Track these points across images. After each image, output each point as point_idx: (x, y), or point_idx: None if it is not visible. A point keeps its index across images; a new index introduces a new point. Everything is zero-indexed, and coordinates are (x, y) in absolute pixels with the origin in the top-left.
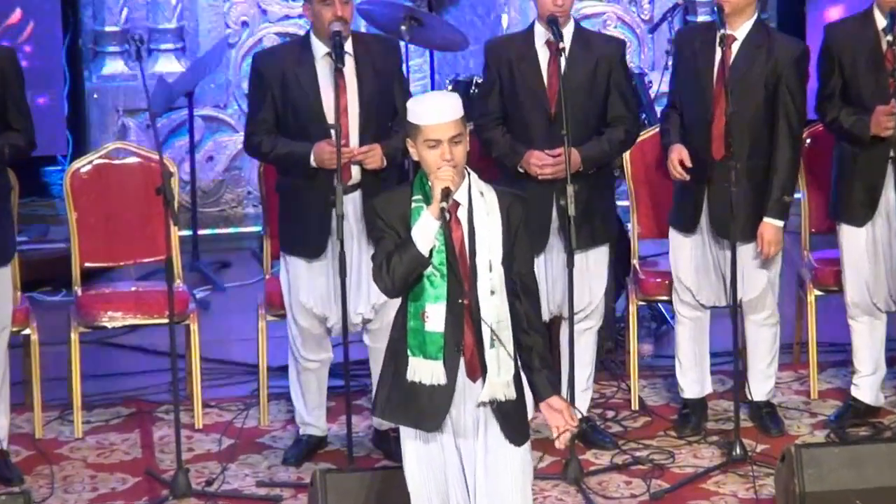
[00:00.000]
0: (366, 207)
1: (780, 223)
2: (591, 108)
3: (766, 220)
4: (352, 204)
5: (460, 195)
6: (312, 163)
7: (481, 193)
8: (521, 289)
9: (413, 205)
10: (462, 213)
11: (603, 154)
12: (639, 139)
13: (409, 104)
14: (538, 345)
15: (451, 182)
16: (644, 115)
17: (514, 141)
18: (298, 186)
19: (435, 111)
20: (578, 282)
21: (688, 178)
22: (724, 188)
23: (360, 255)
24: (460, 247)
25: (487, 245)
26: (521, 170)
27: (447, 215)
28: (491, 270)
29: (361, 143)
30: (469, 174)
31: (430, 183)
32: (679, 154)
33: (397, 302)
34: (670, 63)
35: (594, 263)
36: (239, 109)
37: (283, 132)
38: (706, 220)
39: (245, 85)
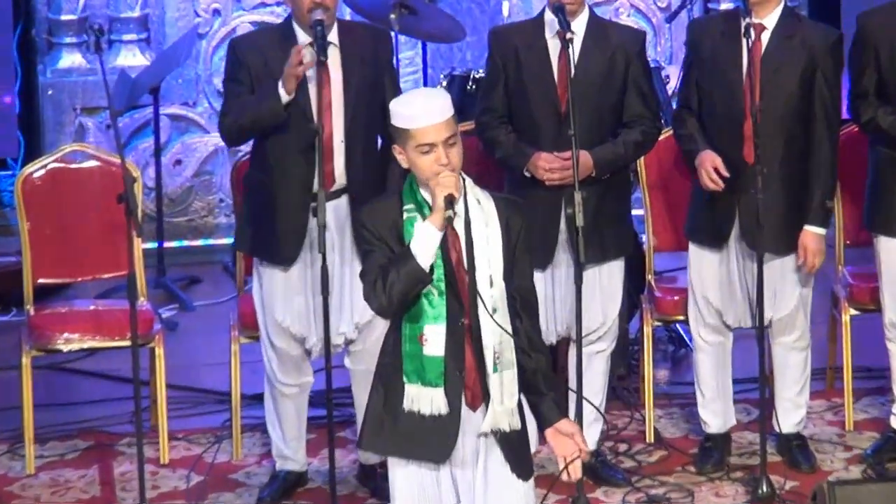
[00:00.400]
0: (353, 216)
1: (823, 231)
2: (606, 105)
3: (808, 228)
4: (333, 212)
5: (456, 204)
6: (283, 93)
7: (478, 201)
8: (522, 305)
9: (405, 216)
10: (458, 224)
11: (617, 157)
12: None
13: (394, 106)
14: (542, 366)
15: (455, 188)
16: (662, 115)
17: (519, 141)
18: (269, 184)
19: (425, 112)
20: (590, 300)
21: (722, 187)
22: (760, 198)
23: (341, 267)
24: (458, 261)
25: (487, 259)
26: (527, 174)
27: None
28: (492, 286)
29: (348, 145)
30: (464, 180)
31: (426, 191)
32: (713, 161)
33: (382, 321)
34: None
35: (607, 280)
36: (210, 108)
37: (251, 139)
38: (736, 233)
39: (217, 81)
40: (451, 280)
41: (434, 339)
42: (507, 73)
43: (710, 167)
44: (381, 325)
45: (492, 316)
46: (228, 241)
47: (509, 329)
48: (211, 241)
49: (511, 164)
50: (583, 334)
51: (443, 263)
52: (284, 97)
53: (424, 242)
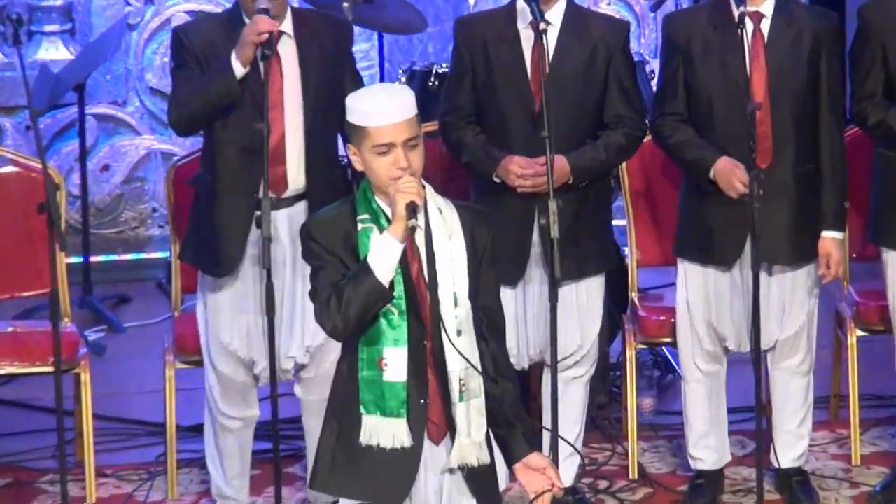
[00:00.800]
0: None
1: (842, 235)
2: (585, 104)
3: (828, 234)
4: (288, 220)
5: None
6: (237, 66)
7: (440, 211)
8: (488, 327)
9: (359, 226)
10: (418, 237)
11: (597, 163)
12: None
13: (351, 101)
14: (509, 394)
15: (418, 195)
16: (647, 114)
17: (489, 144)
18: (214, 187)
19: (384, 109)
20: (566, 320)
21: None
22: (773, 204)
23: (293, 283)
24: (418, 278)
25: (451, 275)
26: (496, 179)
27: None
28: (456, 306)
29: (308, 146)
30: (424, 187)
31: (382, 198)
32: (736, 170)
33: (336, 344)
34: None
35: (585, 298)
36: (142, 107)
37: (204, 130)
38: (746, 245)
39: (150, 77)
40: (411, 298)
41: (395, 363)
42: (475, 68)
43: (742, 175)
44: (336, 350)
45: (450, 341)
46: (162, 255)
47: (475, 354)
48: (143, 256)
49: (479, 170)
50: (558, 358)
51: (402, 280)
52: (239, 70)
53: (384, 256)
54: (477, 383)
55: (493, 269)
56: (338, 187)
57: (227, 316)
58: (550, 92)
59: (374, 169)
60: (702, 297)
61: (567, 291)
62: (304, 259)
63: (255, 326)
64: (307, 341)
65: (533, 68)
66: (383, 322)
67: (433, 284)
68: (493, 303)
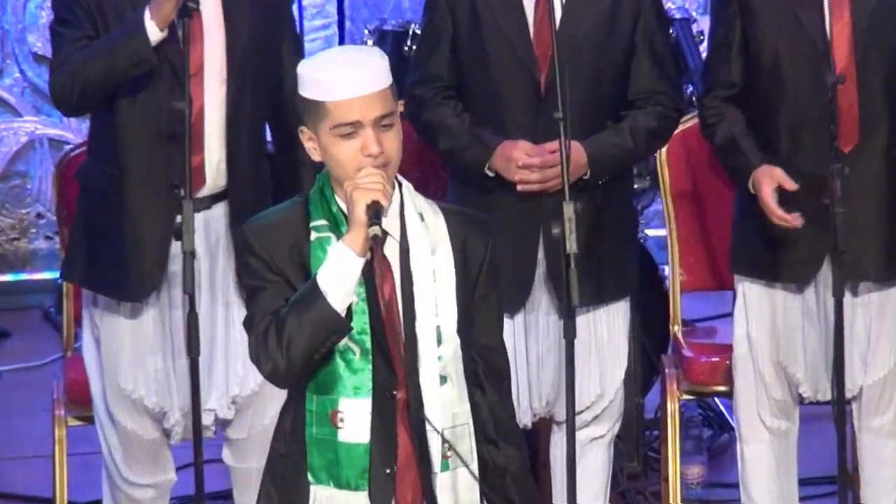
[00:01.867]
0: (234, 235)
1: None
2: (605, 76)
3: None
4: (203, 229)
5: (389, 220)
6: (152, 28)
7: (421, 217)
8: (486, 371)
9: (313, 235)
10: (391, 250)
11: (622, 152)
12: (685, 124)
13: (304, 70)
14: (514, 463)
15: (383, 193)
16: (691, 89)
17: (477, 126)
18: (114, 182)
19: (347, 78)
20: (582, 362)
21: (800, 221)
22: (859, 202)
23: (211, 312)
24: (390, 305)
25: (433, 302)
26: (489, 173)
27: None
28: (440, 343)
29: (230, 130)
30: (400, 185)
31: (342, 196)
32: (774, 178)
33: (277, 393)
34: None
35: (607, 330)
36: (22, 78)
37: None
38: (826, 260)
39: (33, 39)
40: (379, 333)
41: (354, 418)
42: (458, 26)
43: (772, 196)
44: (278, 402)
45: (416, 391)
46: (51, 275)
47: (465, 408)
48: (25, 277)
49: (464, 159)
50: (574, 412)
51: (367, 308)
52: (155, 33)
53: (339, 274)
54: (468, 447)
55: (493, 294)
56: (266, 188)
57: (128, 354)
58: (561, 60)
59: (334, 157)
60: (769, 329)
61: (582, 323)
62: (237, 276)
63: (166, 367)
64: (233, 389)
65: (537, 29)
66: (340, 364)
67: (409, 315)
68: (494, 340)
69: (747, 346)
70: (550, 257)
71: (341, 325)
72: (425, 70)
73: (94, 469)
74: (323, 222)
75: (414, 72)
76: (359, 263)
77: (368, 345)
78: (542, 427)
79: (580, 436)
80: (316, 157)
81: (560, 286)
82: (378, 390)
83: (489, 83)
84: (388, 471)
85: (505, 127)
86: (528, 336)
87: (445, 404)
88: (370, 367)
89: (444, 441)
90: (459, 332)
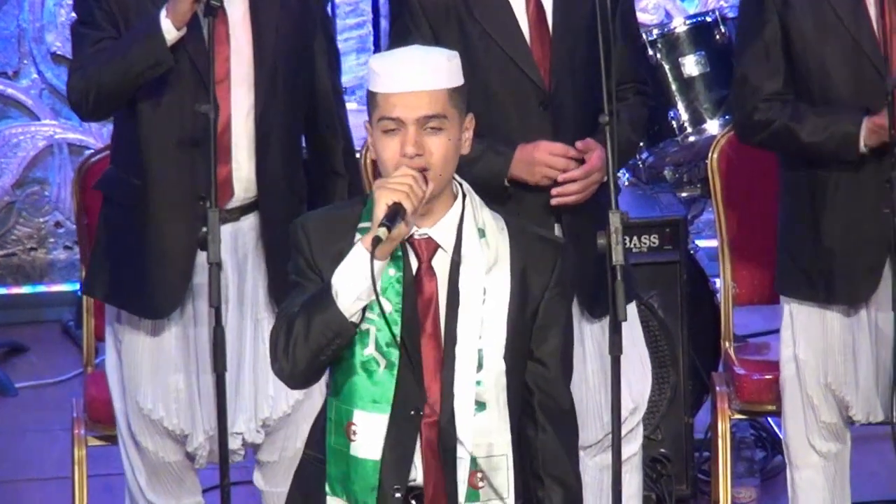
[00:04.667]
0: (267, 245)
1: None
2: (595, 72)
3: None
4: (232, 242)
5: (442, 231)
6: (168, 26)
7: (481, 231)
8: (541, 404)
9: (357, 237)
10: (441, 263)
11: (632, 146)
12: (731, 133)
13: (372, 60)
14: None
15: (407, 194)
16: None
17: (479, 137)
18: (138, 193)
19: (400, 71)
20: (603, 376)
21: None
22: None
23: (240, 328)
24: (432, 320)
25: (478, 323)
26: (507, 184)
27: (407, 258)
28: (480, 368)
29: (260, 137)
30: (464, 195)
31: (373, 194)
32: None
33: (310, 414)
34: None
35: (627, 338)
36: (40, 80)
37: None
38: (885, 279)
39: (51, 37)
40: (412, 347)
41: (368, 433)
42: (438, 34)
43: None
44: (308, 422)
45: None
46: (71, 287)
47: (504, 438)
48: (42, 289)
49: (477, 172)
50: (601, 435)
51: (401, 319)
52: (171, 32)
53: (352, 275)
54: (505, 480)
55: (557, 323)
56: (301, 197)
57: (148, 373)
58: (559, 57)
59: (377, 152)
60: (818, 351)
61: (599, 334)
62: (290, 270)
63: (189, 387)
64: (263, 412)
65: (532, 31)
66: (360, 373)
67: (451, 334)
68: (554, 372)
69: (794, 367)
70: (579, 270)
71: (347, 328)
72: None
73: (115, 491)
74: (369, 225)
75: None
76: (374, 266)
77: (395, 358)
78: None
79: (608, 459)
80: (372, 154)
81: (584, 299)
82: (398, 407)
83: (487, 96)
84: (395, 493)
85: (510, 138)
86: None
87: (480, 432)
88: (394, 381)
89: (475, 469)
90: (508, 359)
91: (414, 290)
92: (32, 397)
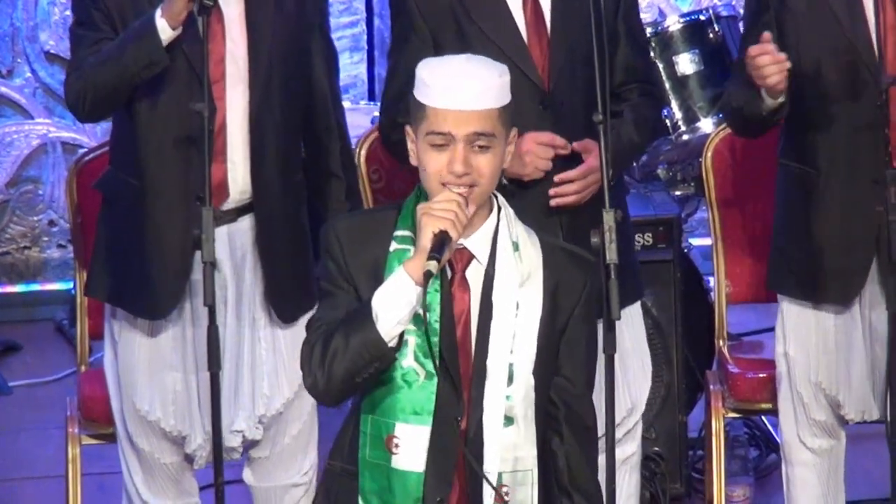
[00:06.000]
0: (262, 246)
1: None
2: (594, 71)
3: None
4: (228, 243)
5: (477, 243)
6: (163, 26)
7: (515, 246)
8: (567, 418)
9: (392, 245)
10: (475, 275)
11: (634, 148)
12: (725, 132)
13: (420, 68)
14: None
15: (454, 221)
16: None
17: None
18: (135, 193)
19: (454, 86)
20: (602, 378)
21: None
22: None
23: (237, 329)
24: (463, 331)
25: (510, 337)
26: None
27: (443, 268)
28: (511, 382)
29: (255, 137)
30: (500, 209)
31: (418, 220)
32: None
33: (301, 413)
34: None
35: (630, 338)
36: (34, 78)
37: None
38: (873, 277)
39: (44, 36)
40: (450, 356)
41: (411, 445)
42: (441, 47)
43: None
44: (298, 420)
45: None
46: (64, 285)
47: (531, 452)
48: (37, 287)
49: None
50: (599, 434)
51: (439, 329)
52: (166, 32)
53: (394, 300)
54: (528, 495)
55: (584, 339)
56: (300, 198)
57: (145, 373)
58: (557, 57)
59: (424, 165)
60: (808, 349)
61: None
62: (320, 276)
63: (185, 388)
64: (259, 409)
65: (530, 30)
66: (401, 386)
67: (482, 347)
68: (579, 388)
69: (785, 365)
70: None
71: (387, 352)
72: (398, 88)
73: (110, 490)
74: (406, 233)
75: (387, 90)
76: (415, 292)
77: (433, 368)
78: None
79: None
80: (413, 160)
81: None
82: (440, 417)
83: None
84: (440, 501)
85: None
86: None
87: (507, 446)
88: (434, 391)
89: (489, 483)
90: (537, 373)
91: (450, 298)
92: (26, 396)
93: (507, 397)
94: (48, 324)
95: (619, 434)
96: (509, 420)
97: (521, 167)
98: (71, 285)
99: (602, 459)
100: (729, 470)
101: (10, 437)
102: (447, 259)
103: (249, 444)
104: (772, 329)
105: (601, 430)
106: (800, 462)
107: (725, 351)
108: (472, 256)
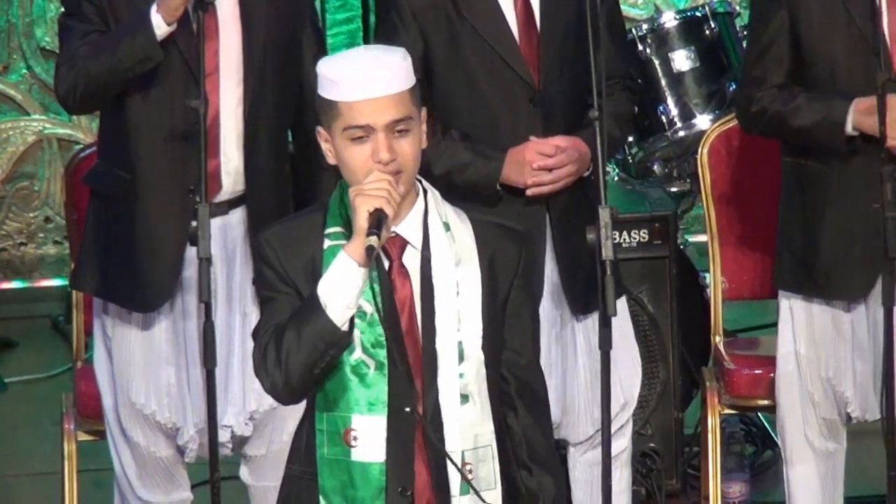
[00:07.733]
0: (253, 245)
1: None
2: (581, 68)
3: None
4: (221, 236)
5: (409, 228)
6: (158, 21)
7: (446, 226)
8: (518, 391)
9: (326, 242)
10: (412, 260)
11: (613, 141)
12: (726, 124)
13: (323, 67)
14: (546, 491)
15: (387, 200)
16: (734, 87)
17: (468, 140)
18: (127, 187)
19: (362, 78)
20: (594, 373)
21: None
22: None
23: (228, 322)
24: (408, 317)
25: (455, 316)
26: (499, 188)
27: (379, 257)
28: (462, 360)
29: (249, 130)
30: (426, 192)
31: (350, 202)
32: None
33: (298, 409)
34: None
35: (617, 335)
36: (30, 75)
37: (110, 100)
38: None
39: (40, 32)
40: (397, 345)
41: (369, 436)
42: (432, 50)
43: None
44: (295, 418)
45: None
46: (60, 282)
47: (488, 428)
48: (31, 284)
49: (468, 177)
50: (591, 431)
51: (381, 318)
52: (161, 27)
53: (340, 285)
54: (490, 470)
55: (526, 310)
56: (288, 191)
57: (139, 367)
58: (547, 56)
59: (346, 161)
60: (819, 346)
61: (591, 328)
62: (254, 286)
63: (179, 380)
64: (250, 405)
65: (521, 24)
66: (352, 379)
67: (429, 329)
68: (526, 358)
69: (794, 363)
70: (562, 263)
71: (342, 338)
72: None
73: (105, 486)
74: (338, 229)
75: None
76: (359, 274)
77: (383, 358)
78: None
79: (597, 456)
80: (331, 160)
81: (575, 295)
82: (394, 406)
83: (477, 97)
84: (404, 492)
85: (500, 137)
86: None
87: (466, 424)
88: (386, 381)
89: (453, 463)
90: (485, 349)
91: (391, 288)
92: (22, 392)
93: (461, 375)
94: (44, 320)
95: (611, 429)
96: (465, 398)
97: (519, 176)
98: (67, 282)
99: (596, 455)
100: (725, 466)
101: (6, 434)
102: (385, 238)
103: (240, 441)
104: (768, 325)
105: (595, 426)
106: (803, 463)
107: (721, 348)
108: (405, 242)
